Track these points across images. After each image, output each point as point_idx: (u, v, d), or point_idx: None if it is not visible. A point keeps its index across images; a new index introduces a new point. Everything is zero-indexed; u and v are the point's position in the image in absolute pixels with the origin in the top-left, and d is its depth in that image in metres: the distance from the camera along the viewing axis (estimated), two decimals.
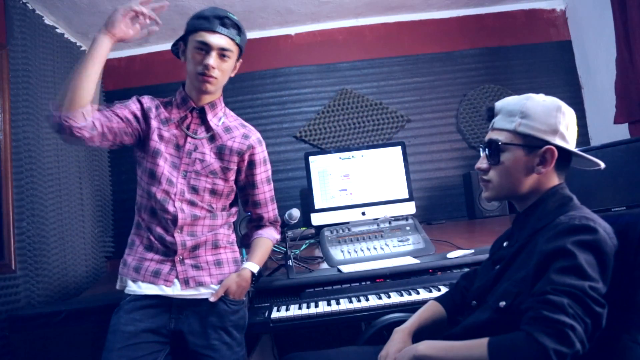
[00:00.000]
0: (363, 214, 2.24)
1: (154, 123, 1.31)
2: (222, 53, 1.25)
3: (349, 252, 1.87)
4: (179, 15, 2.38)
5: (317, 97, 2.68)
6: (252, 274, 1.34)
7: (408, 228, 2.00)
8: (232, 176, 1.36)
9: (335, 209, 2.26)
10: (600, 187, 1.63)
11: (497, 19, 2.74)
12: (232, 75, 1.34)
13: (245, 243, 1.48)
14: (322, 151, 2.45)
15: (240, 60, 1.35)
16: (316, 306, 1.51)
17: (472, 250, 1.69)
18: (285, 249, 1.65)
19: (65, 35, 2.28)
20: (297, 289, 1.62)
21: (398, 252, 1.84)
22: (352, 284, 1.61)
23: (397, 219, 2.07)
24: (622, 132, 2.21)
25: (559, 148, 0.96)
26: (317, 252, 2.04)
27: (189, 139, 1.32)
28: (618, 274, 0.85)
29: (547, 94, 1.03)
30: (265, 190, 1.44)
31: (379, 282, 1.62)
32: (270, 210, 1.46)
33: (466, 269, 1.62)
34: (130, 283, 1.28)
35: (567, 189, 1.00)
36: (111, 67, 2.67)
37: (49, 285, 1.85)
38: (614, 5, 2.10)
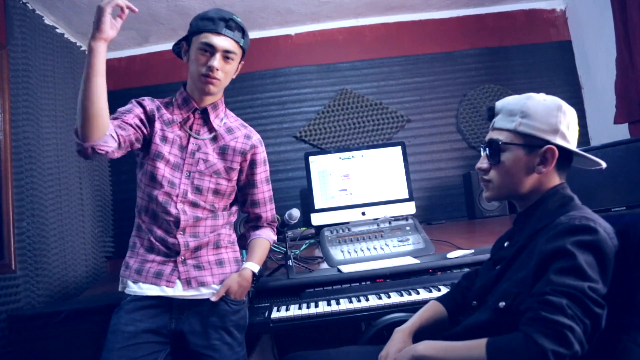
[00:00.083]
0: (363, 214, 2.24)
1: (157, 125, 1.31)
2: (226, 55, 1.26)
3: (349, 252, 1.87)
4: (178, 15, 2.38)
5: (317, 97, 2.68)
6: (253, 273, 1.35)
7: (408, 228, 2.00)
8: (235, 176, 1.38)
9: (335, 209, 2.26)
10: (600, 187, 1.63)
11: (497, 19, 2.74)
12: (234, 76, 1.34)
13: (242, 244, 1.48)
14: (322, 151, 2.45)
15: (242, 61, 1.35)
16: (316, 306, 1.51)
17: (472, 250, 1.69)
18: (285, 249, 1.65)
19: (65, 35, 2.28)
20: (297, 289, 1.62)
21: (398, 252, 1.84)
22: (352, 284, 1.61)
23: (397, 219, 2.07)
24: (622, 132, 2.22)
25: (560, 147, 0.96)
26: (317, 252, 2.04)
27: (191, 140, 1.33)
28: (619, 274, 0.85)
29: (547, 94, 1.03)
30: (264, 190, 1.45)
31: (379, 282, 1.62)
32: (269, 210, 1.47)
33: (466, 269, 1.63)
34: (130, 283, 1.29)
35: (568, 188, 1.00)
36: (111, 67, 2.66)
37: (49, 285, 1.85)
38: (614, 5, 2.10)
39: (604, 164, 1.00)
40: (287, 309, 1.51)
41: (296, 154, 2.61)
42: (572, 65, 2.69)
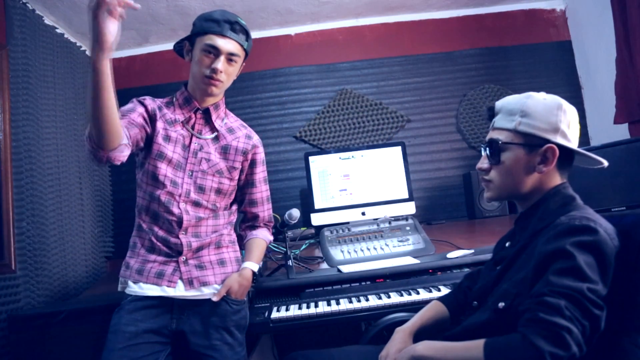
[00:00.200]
0: (363, 214, 2.24)
1: (159, 124, 1.31)
2: (230, 58, 1.26)
3: (349, 252, 1.87)
4: (178, 15, 2.38)
5: (317, 97, 2.68)
6: (253, 272, 1.35)
7: (408, 228, 2.00)
8: (237, 175, 1.39)
9: (335, 209, 2.26)
10: (600, 187, 1.63)
11: (497, 19, 2.74)
12: (235, 77, 1.35)
13: (240, 244, 1.49)
14: (322, 151, 2.45)
15: (244, 63, 1.36)
16: (316, 306, 1.51)
17: (472, 251, 1.69)
18: (285, 249, 1.65)
19: (65, 35, 2.28)
20: (297, 289, 1.62)
21: (398, 252, 1.84)
22: (352, 284, 1.61)
23: (397, 219, 2.07)
24: (622, 132, 2.21)
25: (561, 147, 0.95)
26: (317, 252, 2.04)
27: (194, 139, 1.33)
28: (619, 275, 0.84)
29: (547, 93, 1.02)
30: (262, 190, 1.46)
31: (379, 282, 1.62)
32: (266, 210, 1.48)
33: (466, 269, 1.63)
34: (131, 283, 1.29)
35: (569, 188, 0.99)
36: (111, 67, 2.67)
37: (49, 285, 1.85)
38: (614, 5, 2.10)
39: (605, 163, 0.99)
40: (287, 309, 1.51)
41: (296, 154, 2.60)
42: (572, 65, 2.69)
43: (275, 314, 1.49)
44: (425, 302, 1.40)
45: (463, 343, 0.87)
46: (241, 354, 1.34)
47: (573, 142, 0.98)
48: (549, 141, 0.95)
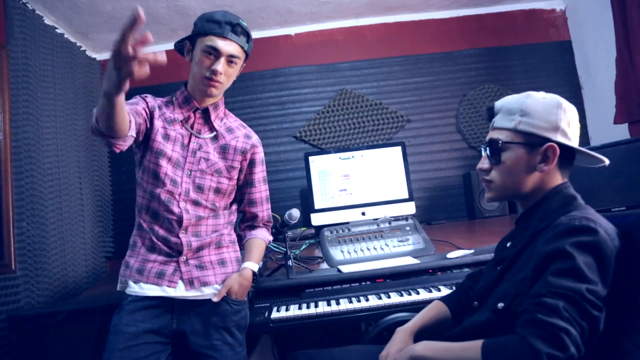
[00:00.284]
0: (363, 214, 2.24)
1: (158, 123, 1.31)
2: (231, 59, 1.27)
3: (349, 252, 1.87)
4: (178, 15, 2.38)
5: (317, 97, 2.68)
6: (253, 272, 1.35)
7: (408, 228, 2.00)
8: (236, 175, 1.39)
9: (335, 209, 2.26)
10: (600, 187, 1.63)
11: (497, 19, 2.74)
12: (235, 78, 1.35)
13: (239, 244, 1.49)
14: (322, 151, 2.45)
15: (244, 64, 1.36)
16: (316, 306, 1.51)
17: (472, 251, 1.69)
18: (285, 249, 1.65)
19: (65, 35, 2.28)
20: (297, 289, 1.62)
21: (398, 252, 1.84)
22: (352, 284, 1.61)
23: (397, 219, 2.07)
24: (622, 132, 2.22)
25: (561, 145, 0.95)
26: (317, 252, 2.04)
27: (193, 138, 1.33)
28: (620, 276, 0.84)
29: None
30: (261, 190, 1.46)
31: (379, 282, 1.62)
32: (265, 210, 1.48)
33: (466, 269, 1.63)
34: (131, 284, 1.29)
35: (571, 188, 0.99)
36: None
37: (49, 285, 1.85)
38: (614, 5, 2.10)
39: (607, 161, 0.98)
40: (287, 309, 1.51)
41: (296, 154, 2.61)
42: (572, 65, 2.69)
43: (275, 314, 1.49)
44: (425, 302, 1.39)
45: (461, 343, 0.86)
46: (241, 354, 1.34)
47: (573, 141, 0.97)
48: (549, 140, 0.95)
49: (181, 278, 1.28)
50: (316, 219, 2.25)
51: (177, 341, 1.28)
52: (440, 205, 2.60)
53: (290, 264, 1.63)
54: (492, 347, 0.80)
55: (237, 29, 1.26)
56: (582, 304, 0.76)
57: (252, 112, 2.64)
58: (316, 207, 2.26)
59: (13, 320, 1.55)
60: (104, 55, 2.68)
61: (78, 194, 2.19)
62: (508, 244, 1.06)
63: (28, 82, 1.85)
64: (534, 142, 0.96)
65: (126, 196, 2.51)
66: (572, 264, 0.79)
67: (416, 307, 1.43)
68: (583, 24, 2.59)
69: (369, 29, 2.73)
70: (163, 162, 1.29)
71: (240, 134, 1.41)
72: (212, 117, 1.36)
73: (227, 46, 1.24)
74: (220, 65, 1.24)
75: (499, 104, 1.04)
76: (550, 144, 0.94)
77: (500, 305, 0.90)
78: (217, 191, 1.35)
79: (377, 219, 2.09)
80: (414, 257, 1.73)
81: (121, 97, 1.00)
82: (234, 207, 1.46)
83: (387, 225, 2.03)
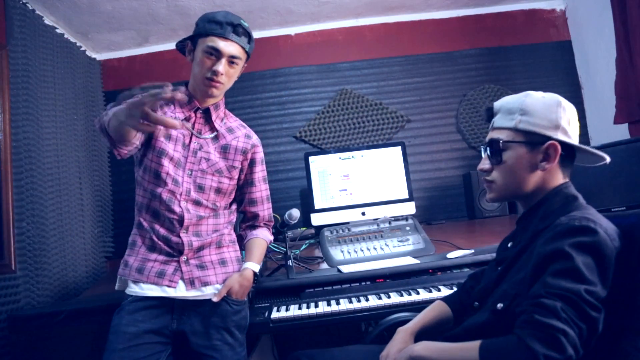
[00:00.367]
0: (363, 214, 2.24)
1: None
2: (232, 60, 1.27)
3: (349, 252, 1.87)
4: (179, 15, 2.38)
5: (317, 97, 2.68)
6: (254, 273, 1.35)
7: (408, 228, 2.00)
8: (236, 174, 1.39)
9: (335, 209, 2.26)
10: (600, 187, 1.63)
11: (497, 19, 2.74)
12: (236, 79, 1.35)
13: (240, 244, 1.49)
14: (322, 151, 2.45)
15: (245, 64, 1.36)
16: (316, 306, 1.51)
17: (472, 251, 1.69)
18: (285, 249, 1.65)
19: (65, 36, 2.28)
20: (297, 289, 1.62)
21: (398, 252, 1.84)
22: (352, 284, 1.61)
23: (397, 219, 2.07)
24: (622, 132, 2.22)
25: (562, 143, 0.95)
26: (317, 252, 2.04)
27: (194, 138, 1.33)
28: (620, 276, 0.83)
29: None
30: (262, 189, 1.46)
31: (379, 282, 1.62)
32: (266, 209, 1.48)
33: (466, 269, 1.63)
34: (131, 284, 1.28)
35: (572, 187, 0.98)
36: (111, 67, 2.67)
37: (49, 285, 1.85)
38: (614, 5, 2.10)
39: (607, 158, 0.98)
40: (287, 309, 1.51)
41: (296, 154, 2.61)
42: (572, 65, 2.69)
43: (275, 314, 1.49)
44: (425, 302, 1.40)
45: (459, 344, 0.86)
46: (242, 354, 1.34)
47: (574, 139, 0.97)
48: (550, 138, 0.94)
49: (182, 278, 1.27)
50: (316, 219, 2.25)
51: (177, 341, 1.28)
52: (440, 205, 2.60)
53: (290, 264, 1.64)
54: (489, 348, 0.80)
55: (238, 29, 1.26)
56: (580, 305, 0.76)
57: (252, 112, 2.64)
58: (316, 207, 2.26)
59: (13, 320, 1.55)
60: (104, 55, 2.68)
61: (78, 194, 2.19)
62: (509, 244, 1.06)
63: (28, 82, 1.85)
64: (535, 141, 0.96)
65: (126, 196, 2.51)
66: (570, 265, 0.79)
67: (416, 307, 1.43)
68: (583, 24, 2.58)
69: (369, 29, 2.73)
70: (165, 162, 1.29)
71: (240, 133, 1.41)
72: (213, 117, 1.36)
73: (228, 47, 1.24)
74: (222, 66, 1.25)
75: (498, 104, 1.04)
76: (551, 142, 0.94)
77: (500, 305, 0.90)
78: (218, 191, 1.35)
79: (377, 219, 2.09)
80: (414, 257, 1.73)
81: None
82: (234, 206, 1.47)
83: (387, 225, 2.03)
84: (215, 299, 1.27)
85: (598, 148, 1.65)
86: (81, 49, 2.43)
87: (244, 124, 1.47)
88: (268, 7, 2.45)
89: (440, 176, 2.63)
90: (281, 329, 1.48)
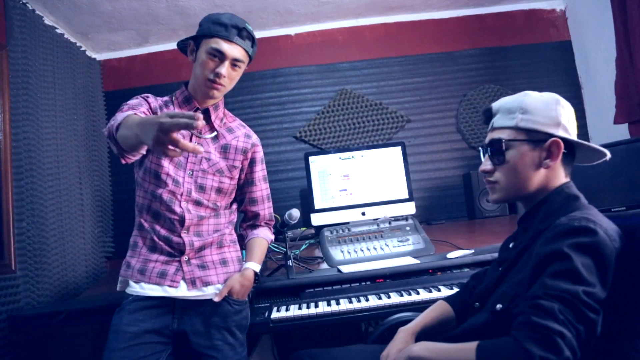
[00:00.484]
0: (363, 214, 2.24)
1: None
2: (235, 63, 1.27)
3: (349, 252, 1.87)
4: (179, 15, 2.38)
5: (317, 97, 2.68)
6: (255, 273, 1.35)
7: (408, 228, 2.00)
8: (237, 174, 1.40)
9: (335, 209, 2.26)
10: (600, 187, 1.63)
11: (497, 19, 2.74)
12: (237, 81, 1.35)
13: (240, 244, 1.49)
14: (322, 151, 2.45)
15: (247, 67, 1.36)
16: (316, 306, 1.51)
17: (472, 251, 1.69)
18: (285, 249, 1.65)
19: (65, 36, 2.28)
20: (297, 289, 1.62)
21: (398, 252, 1.84)
22: (352, 284, 1.61)
23: (397, 219, 2.07)
24: (622, 132, 2.22)
25: (564, 140, 0.94)
26: (317, 252, 2.04)
27: (194, 138, 1.33)
28: (620, 277, 0.82)
29: None
30: (262, 188, 1.46)
31: (379, 282, 1.62)
32: (266, 208, 1.48)
33: (466, 269, 1.63)
34: (132, 283, 1.28)
35: (573, 187, 0.98)
36: (111, 68, 2.67)
37: (49, 285, 1.85)
38: (614, 5, 2.10)
39: (608, 154, 0.97)
40: (287, 309, 1.51)
41: (296, 154, 2.61)
42: (572, 65, 2.69)
43: (275, 314, 1.49)
44: (425, 302, 1.40)
45: (457, 345, 0.86)
46: (242, 354, 1.34)
47: (574, 137, 0.97)
48: (552, 135, 0.94)
49: (183, 278, 1.28)
50: (316, 219, 2.25)
51: (178, 341, 1.28)
52: (440, 205, 2.60)
53: (290, 264, 1.64)
54: (486, 349, 0.80)
55: (243, 33, 1.26)
56: (578, 307, 0.75)
57: (252, 112, 2.64)
58: (316, 207, 2.26)
59: (13, 320, 1.55)
60: (104, 55, 2.68)
61: (78, 194, 2.19)
62: (510, 245, 1.06)
63: (28, 82, 1.85)
64: (537, 139, 0.95)
65: (126, 196, 2.51)
66: (569, 266, 0.78)
67: (416, 307, 1.43)
68: (583, 24, 2.59)
69: (369, 29, 2.73)
70: (165, 163, 1.29)
71: (240, 133, 1.41)
72: (213, 117, 1.36)
73: (232, 50, 1.24)
74: (225, 69, 1.25)
75: (496, 104, 1.03)
76: (554, 139, 0.94)
77: (499, 306, 0.90)
78: (219, 191, 1.35)
79: (377, 219, 2.09)
80: (414, 257, 1.73)
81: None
82: (235, 206, 1.47)
83: (387, 225, 2.03)
84: (216, 299, 1.28)
85: None
86: (81, 49, 2.43)
87: (243, 123, 1.47)
88: (268, 7, 2.45)
89: (440, 176, 2.63)
90: (281, 329, 1.48)
